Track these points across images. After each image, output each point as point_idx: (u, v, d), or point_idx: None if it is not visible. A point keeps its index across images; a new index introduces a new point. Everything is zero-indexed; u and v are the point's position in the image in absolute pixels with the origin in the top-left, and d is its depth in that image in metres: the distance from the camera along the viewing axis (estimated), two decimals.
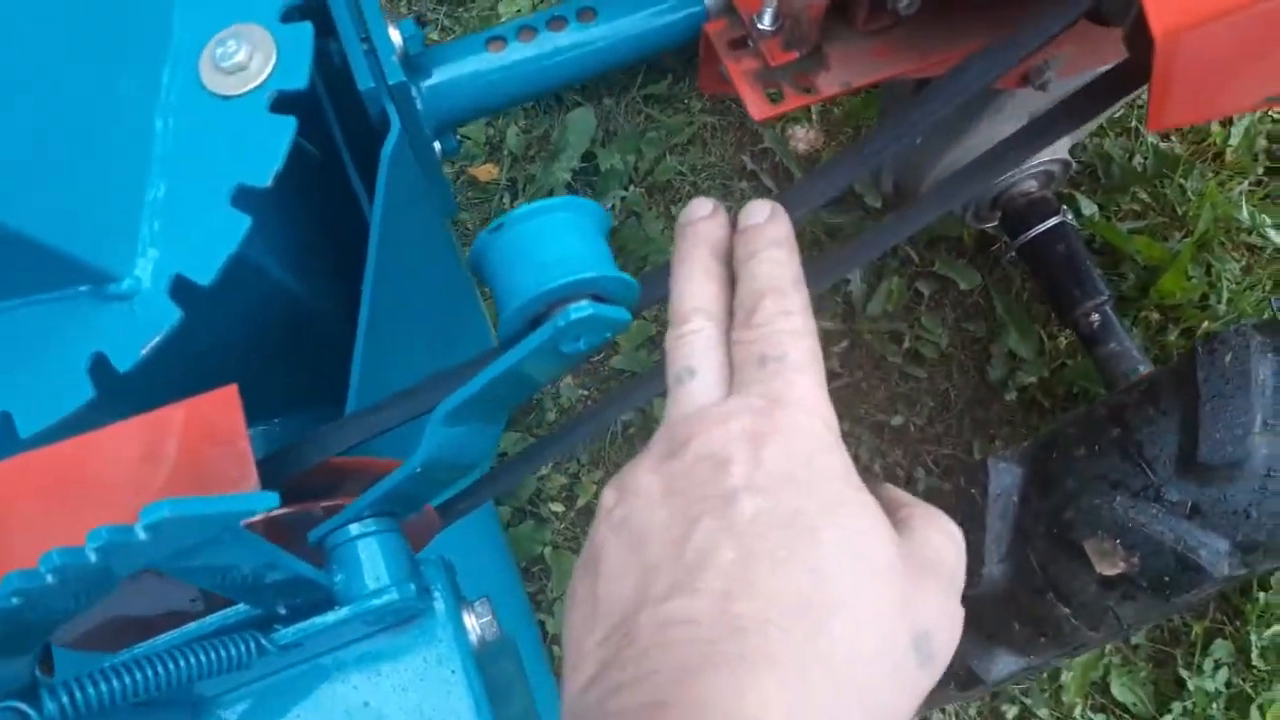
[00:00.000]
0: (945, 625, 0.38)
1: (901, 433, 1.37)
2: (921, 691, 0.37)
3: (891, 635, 0.36)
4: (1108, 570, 0.74)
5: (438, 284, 0.97)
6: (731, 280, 0.48)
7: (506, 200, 1.53)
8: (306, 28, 0.64)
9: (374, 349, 0.78)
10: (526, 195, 1.52)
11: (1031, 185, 1.16)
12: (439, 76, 0.82)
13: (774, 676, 0.33)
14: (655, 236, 1.47)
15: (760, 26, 0.79)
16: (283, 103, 0.63)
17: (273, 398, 0.89)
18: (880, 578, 0.37)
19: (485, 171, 1.54)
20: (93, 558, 0.43)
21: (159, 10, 0.65)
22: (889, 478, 1.35)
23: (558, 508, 1.38)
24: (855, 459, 1.35)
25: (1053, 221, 1.12)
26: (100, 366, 0.60)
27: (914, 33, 0.81)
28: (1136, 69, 0.59)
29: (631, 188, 1.52)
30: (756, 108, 0.79)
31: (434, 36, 1.63)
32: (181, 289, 0.60)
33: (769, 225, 0.47)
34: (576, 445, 1.28)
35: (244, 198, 0.61)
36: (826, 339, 1.42)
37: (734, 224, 0.49)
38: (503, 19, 1.63)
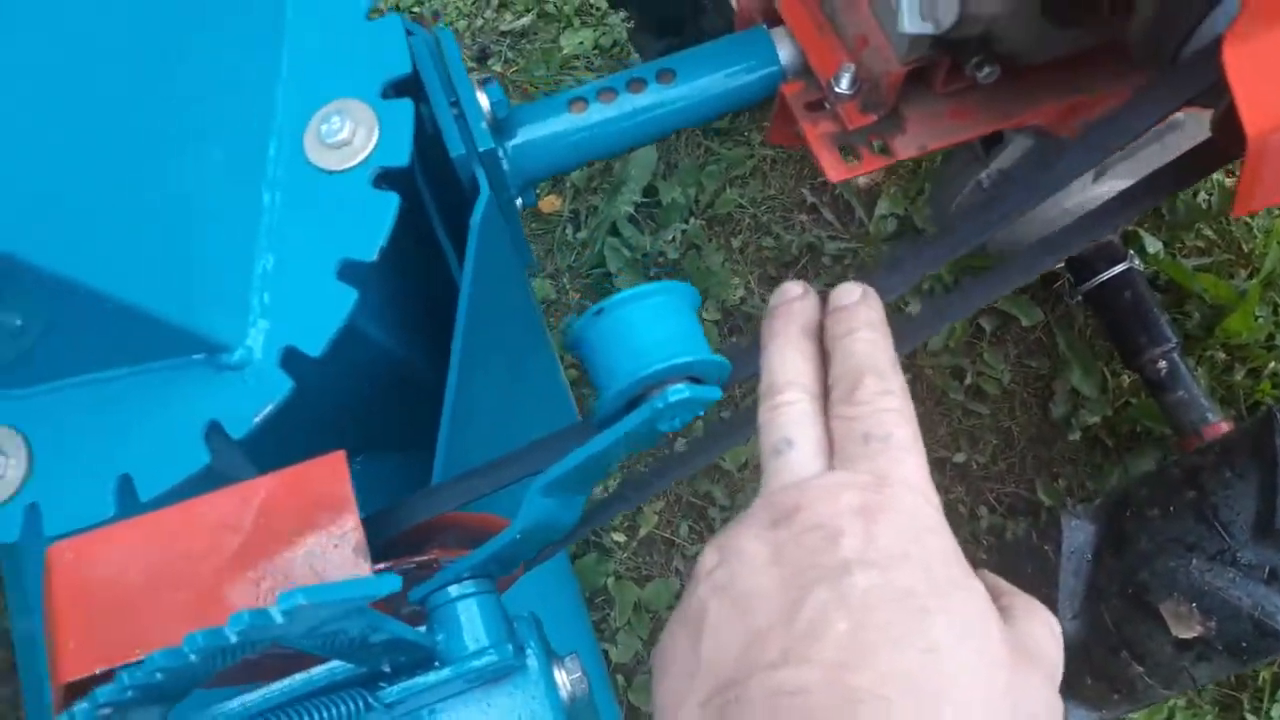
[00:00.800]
0: (1045, 713, 0.38)
1: (964, 470, 1.38)
2: None
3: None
4: (1184, 633, 0.75)
5: (516, 329, 0.99)
6: (823, 359, 0.49)
7: (569, 231, 1.56)
8: (407, 105, 0.66)
9: (460, 397, 0.81)
10: (588, 227, 1.54)
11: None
12: (523, 136, 0.84)
13: None
14: (716, 269, 1.48)
15: (838, 90, 0.81)
16: (385, 178, 0.66)
17: (356, 439, 0.92)
18: (991, 665, 0.37)
19: (548, 203, 1.57)
20: (233, 639, 0.46)
21: (263, 84, 0.68)
22: (951, 515, 1.36)
23: (620, 538, 1.40)
24: None
25: (1120, 268, 1.12)
26: (215, 433, 0.63)
27: (989, 94, 0.82)
28: (1221, 151, 0.60)
29: (692, 220, 1.54)
30: (833, 170, 0.81)
31: (498, 69, 1.67)
32: (292, 360, 0.63)
33: (862, 306, 0.48)
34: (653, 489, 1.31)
35: (350, 271, 0.64)
36: None
37: (825, 305, 0.50)
38: (564, 50, 1.66)
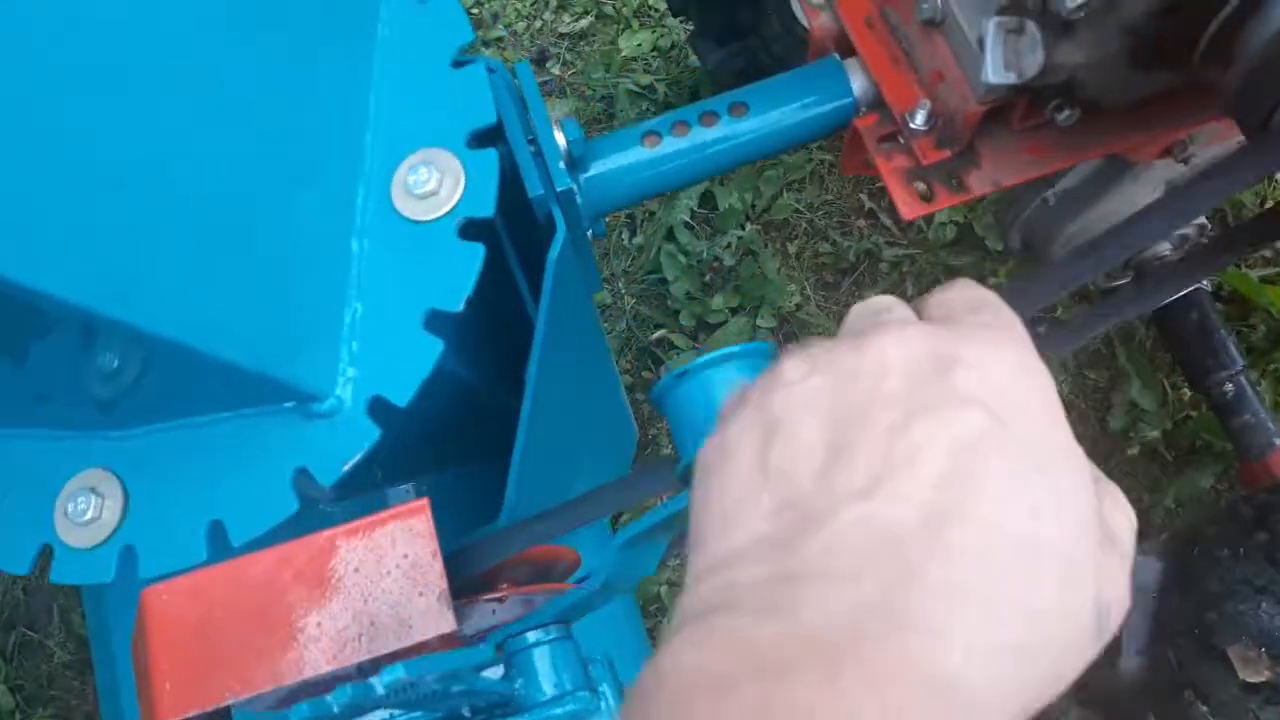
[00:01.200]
0: (1120, 602, 0.36)
1: None
2: (1085, 664, 0.35)
3: (1084, 599, 0.33)
4: (1251, 677, 0.75)
5: (584, 352, 1.00)
6: None
7: (625, 236, 1.56)
8: (492, 156, 0.67)
9: (532, 424, 0.82)
10: (644, 232, 1.55)
11: (1166, 249, 1.15)
12: (596, 169, 0.85)
13: (978, 611, 0.31)
14: (771, 275, 1.48)
15: (913, 125, 0.81)
16: (470, 229, 0.67)
17: (428, 460, 0.93)
18: (1088, 539, 0.34)
19: None
20: (335, 709, 0.48)
21: (352, 131, 0.69)
22: None
23: None
24: None
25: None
26: (304, 480, 0.64)
27: (1065, 130, 0.81)
28: None
29: (748, 225, 1.54)
30: (907, 206, 0.81)
31: (556, 71, 1.67)
32: (380, 408, 0.64)
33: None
34: None
35: (437, 321, 0.65)
36: None
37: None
38: (622, 52, 1.65)
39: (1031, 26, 0.65)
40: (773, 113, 0.86)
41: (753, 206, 1.55)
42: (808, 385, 0.36)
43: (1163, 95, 0.77)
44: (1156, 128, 0.80)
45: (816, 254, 1.51)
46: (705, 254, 1.52)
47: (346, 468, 0.64)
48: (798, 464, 0.34)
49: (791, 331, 1.48)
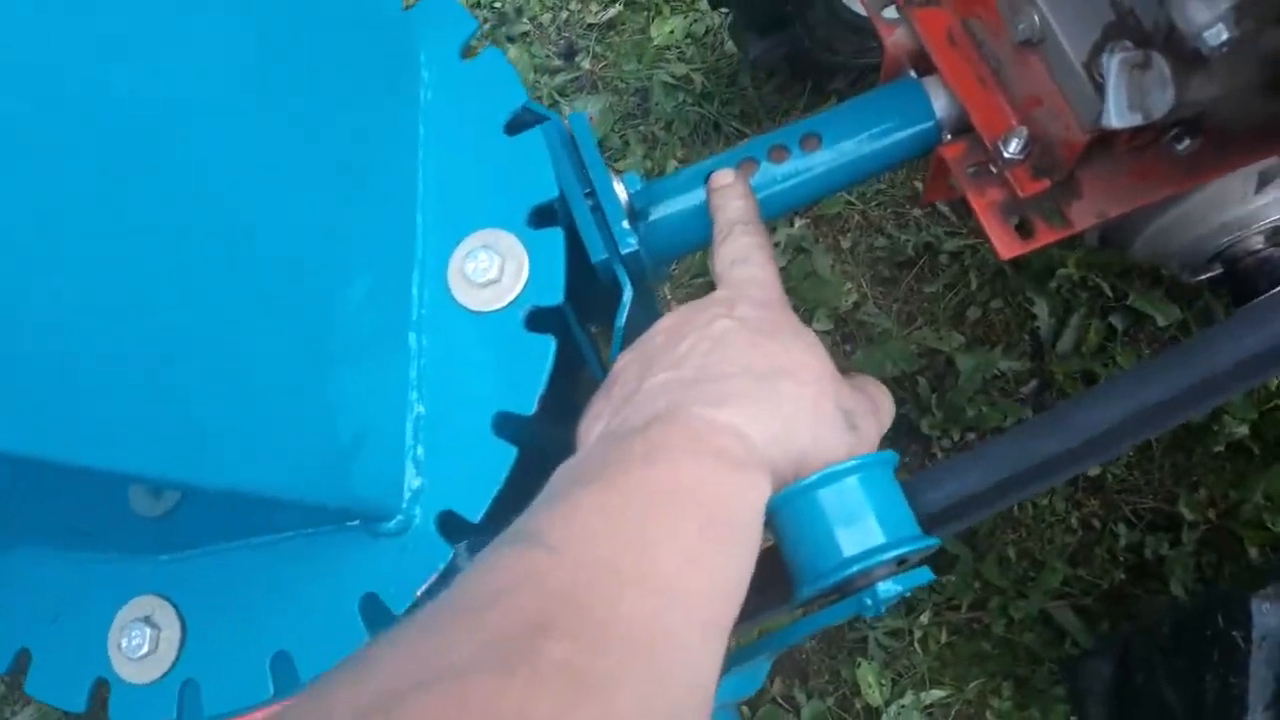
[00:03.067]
0: (865, 415, 0.55)
1: (1098, 482, 1.31)
2: (850, 451, 0.52)
3: (823, 399, 0.52)
4: None
5: None
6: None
7: None
8: (557, 235, 0.61)
9: None
10: None
11: (1259, 242, 1.07)
12: (657, 214, 0.78)
13: (739, 403, 0.50)
14: (826, 275, 1.41)
15: (1007, 154, 0.73)
16: (538, 318, 0.60)
17: None
18: (818, 361, 0.54)
19: None
20: None
21: (402, 215, 0.63)
22: (1085, 530, 1.30)
23: None
24: (1049, 508, 1.30)
25: None
26: (372, 605, 0.59)
27: (1175, 151, 0.74)
28: None
29: (798, 221, 1.46)
30: (1005, 245, 0.74)
31: (586, 65, 1.59)
32: (452, 524, 0.59)
33: (736, 183, 0.72)
34: None
35: (507, 425, 0.59)
36: (1013, 379, 1.36)
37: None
38: (654, 41, 1.57)
39: (1159, 61, 0.58)
40: (847, 142, 0.78)
41: None
42: (625, 359, 0.59)
43: None
44: (1277, 144, 0.73)
45: (872, 248, 1.44)
46: None
47: (419, 593, 0.58)
48: (623, 387, 0.56)
49: (850, 333, 1.41)
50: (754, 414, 0.50)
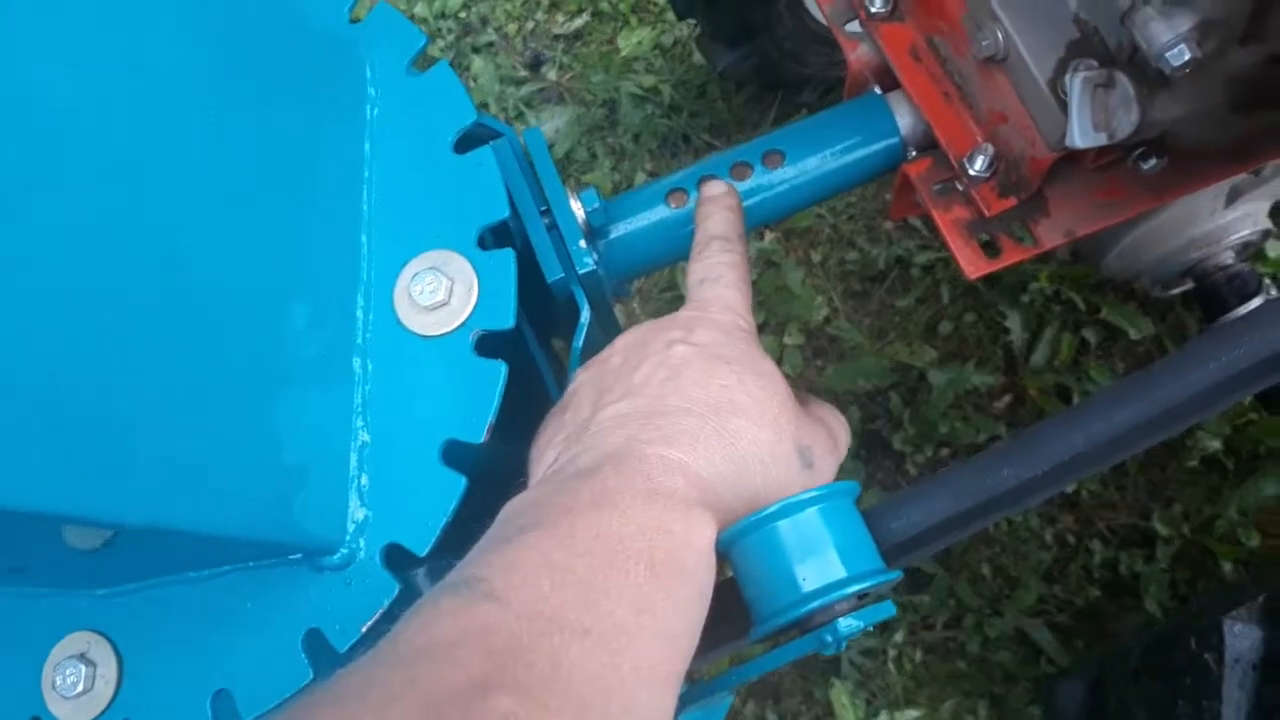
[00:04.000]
0: (823, 452, 0.54)
1: (1073, 499, 1.30)
2: (805, 486, 0.51)
3: (780, 436, 0.51)
4: None
5: None
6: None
7: None
8: (508, 257, 0.59)
9: None
10: None
11: (1229, 258, 1.06)
12: (617, 232, 0.76)
13: (691, 442, 0.49)
14: (797, 290, 1.40)
15: (972, 172, 0.72)
16: (488, 343, 0.58)
17: None
18: (775, 398, 0.52)
19: None
20: None
21: (346, 235, 0.61)
22: (1060, 546, 1.29)
23: None
24: (1024, 524, 1.29)
25: (1255, 303, 1.02)
26: (316, 641, 0.57)
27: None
28: None
29: (768, 235, 1.45)
30: (971, 265, 0.72)
31: (552, 76, 1.57)
32: (398, 557, 0.57)
33: (724, 197, 0.68)
34: None
35: (456, 454, 0.57)
36: (986, 394, 1.35)
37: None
38: (622, 52, 1.56)
39: (1123, 80, 0.56)
40: (811, 159, 0.77)
41: None
42: (581, 379, 0.58)
43: (1258, 130, 0.68)
44: (1249, 160, 0.71)
45: (843, 262, 1.43)
46: None
47: (364, 628, 0.56)
48: (578, 412, 0.54)
49: (821, 347, 1.39)
50: (706, 454, 0.49)
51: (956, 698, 1.27)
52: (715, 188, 0.69)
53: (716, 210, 0.67)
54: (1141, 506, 1.29)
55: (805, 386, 1.36)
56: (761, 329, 1.40)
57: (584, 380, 0.57)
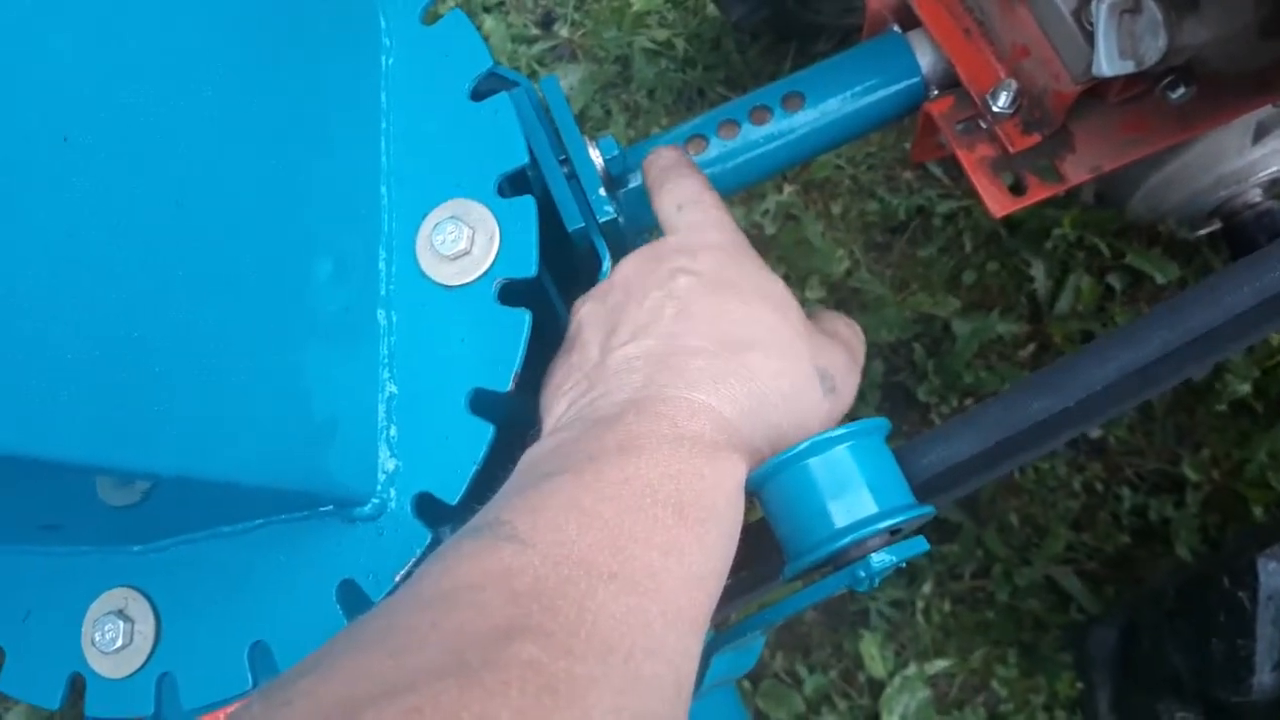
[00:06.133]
0: (843, 373, 0.53)
1: (1100, 445, 1.29)
2: (829, 415, 0.52)
3: (798, 365, 0.51)
4: None
5: None
6: None
7: None
8: (529, 204, 0.59)
9: None
10: None
11: (1257, 195, 1.04)
12: (636, 181, 0.75)
13: (713, 382, 0.48)
14: (817, 242, 1.39)
15: (995, 108, 0.71)
16: (512, 291, 0.58)
17: None
18: (788, 324, 0.52)
19: None
20: None
21: (366, 187, 0.61)
22: (1088, 494, 1.28)
23: None
24: (1051, 472, 1.28)
25: None
26: (350, 592, 0.57)
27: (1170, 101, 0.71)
28: None
29: (786, 188, 1.44)
30: (997, 203, 0.71)
31: (564, 34, 1.56)
32: (429, 507, 0.57)
33: (679, 162, 0.64)
34: None
35: (483, 403, 0.57)
36: (1011, 343, 1.34)
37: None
38: (634, 7, 1.54)
39: (1150, 5, 0.55)
40: (831, 101, 0.76)
41: None
42: (582, 316, 0.57)
43: None
44: (1276, 90, 0.70)
45: (863, 214, 1.41)
46: (743, 222, 1.42)
47: (398, 578, 0.57)
48: (588, 355, 0.53)
49: (843, 299, 1.39)
50: (729, 394, 0.48)
51: (986, 647, 1.27)
52: (667, 155, 0.64)
53: (659, 150, 0.65)
54: (1170, 452, 1.28)
55: None
56: None
57: (586, 317, 0.56)
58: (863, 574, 0.48)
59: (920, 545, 0.50)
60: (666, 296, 0.52)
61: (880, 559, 0.48)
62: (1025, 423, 0.51)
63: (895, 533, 0.50)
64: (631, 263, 0.55)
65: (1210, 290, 0.49)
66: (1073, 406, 0.51)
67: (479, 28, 1.51)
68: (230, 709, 0.58)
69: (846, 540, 0.48)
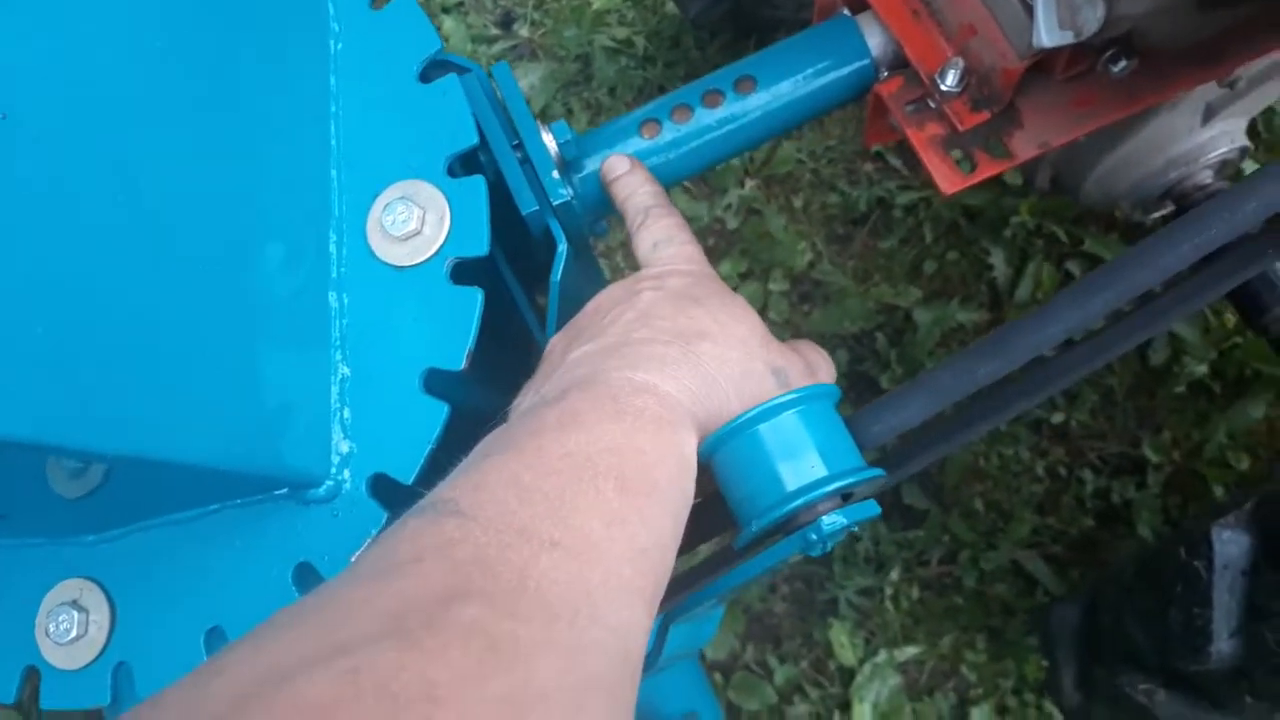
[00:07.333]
0: (799, 376, 0.54)
1: (1062, 430, 1.30)
2: (765, 393, 0.52)
3: (750, 356, 0.52)
4: None
5: None
6: None
7: None
8: (479, 184, 0.59)
9: None
10: None
11: (1207, 177, 1.06)
12: (592, 166, 0.75)
13: (658, 364, 0.49)
14: (780, 235, 1.40)
15: (944, 87, 0.72)
16: (463, 269, 0.58)
17: None
18: (744, 324, 0.54)
19: None
20: None
21: (315, 170, 0.61)
22: (1052, 479, 1.29)
23: None
24: (1015, 457, 1.29)
25: None
26: (307, 574, 0.57)
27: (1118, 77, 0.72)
28: None
29: (748, 182, 1.44)
30: (947, 180, 0.72)
31: (524, 33, 1.56)
32: (384, 487, 0.57)
33: (635, 171, 0.70)
34: None
35: (437, 382, 0.57)
36: (972, 331, 1.35)
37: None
38: (594, 5, 1.54)
39: None
40: (783, 84, 0.76)
41: (751, 160, 1.45)
42: (554, 339, 0.58)
43: (1226, 31, 0.68)
44: (1219, 64, 0.71)
45: (824, 206, 1.42)
46: (705, 217, 1.43)
47: (353, 558, 0.56)
48: (551, 361, 0.55)
49: (807, 292, 1.39)
50: (674, 373, 0.49)
51: (955, 632, 1.28)
52: (620, 165, 0.70)
53: (636, 184, 0.68)
54: (1131, 435, 1.30)
55: (792, 332, 1.37)
56: (746, 276, 1.40)
57: (556, 341, 0.58)
58: (814, 537, 0.48)
59: (872, 509, 0.50)
60: (628, 307, 0.54)
61: (831, 521, 0.48)
62: (972, 386, 0.52)
63: (847, 497, 0.50)
64: (605, 292, 0.58)
65: (1150, 250, 0.50)
66: (1019, 371, 0.52)
67: (439, 29, 1.51)
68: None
69: (797, 503, 0.48)
